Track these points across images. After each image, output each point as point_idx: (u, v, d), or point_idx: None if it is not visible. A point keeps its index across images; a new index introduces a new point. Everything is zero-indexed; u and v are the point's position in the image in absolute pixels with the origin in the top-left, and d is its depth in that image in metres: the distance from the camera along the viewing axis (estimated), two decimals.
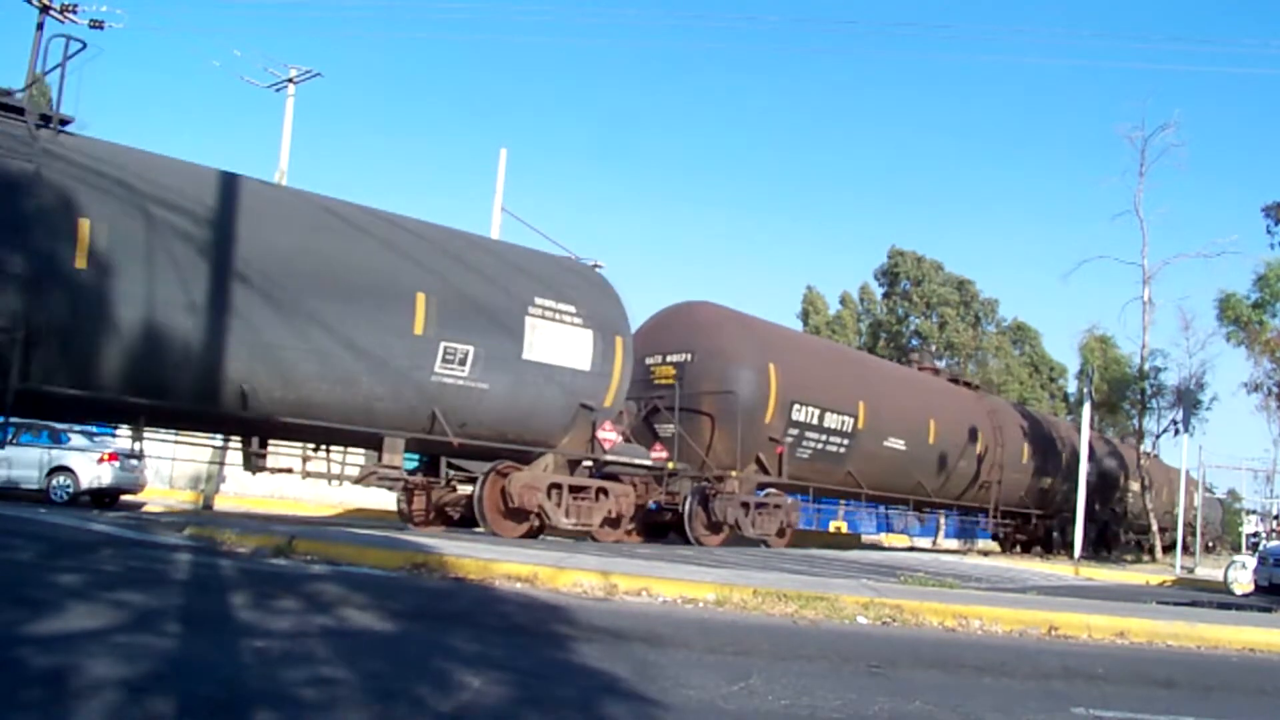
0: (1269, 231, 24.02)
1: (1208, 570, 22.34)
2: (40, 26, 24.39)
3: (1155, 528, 27.04)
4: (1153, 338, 26.24)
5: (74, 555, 6.48)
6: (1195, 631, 7.66)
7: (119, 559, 6.51)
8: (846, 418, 17.57)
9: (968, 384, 25.01)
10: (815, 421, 16.95)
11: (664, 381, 15.82)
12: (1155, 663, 6.56)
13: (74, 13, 24.73)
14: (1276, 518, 30.91)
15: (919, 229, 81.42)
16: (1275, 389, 25.71)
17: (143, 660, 3.71)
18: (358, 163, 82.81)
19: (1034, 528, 25.75)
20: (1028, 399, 43.89)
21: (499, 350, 12.23)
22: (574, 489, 13.31)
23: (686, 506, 15.06)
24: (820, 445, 17.14)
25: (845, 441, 17.60)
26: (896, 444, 19.04)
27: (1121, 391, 27.99)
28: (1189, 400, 24.57)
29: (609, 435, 13.66)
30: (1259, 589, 15.14)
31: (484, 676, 4.11)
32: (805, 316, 51.58)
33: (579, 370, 13.17)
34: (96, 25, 25.10)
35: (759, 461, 15.97)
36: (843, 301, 52.79)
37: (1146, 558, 27.64)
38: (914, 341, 50.15)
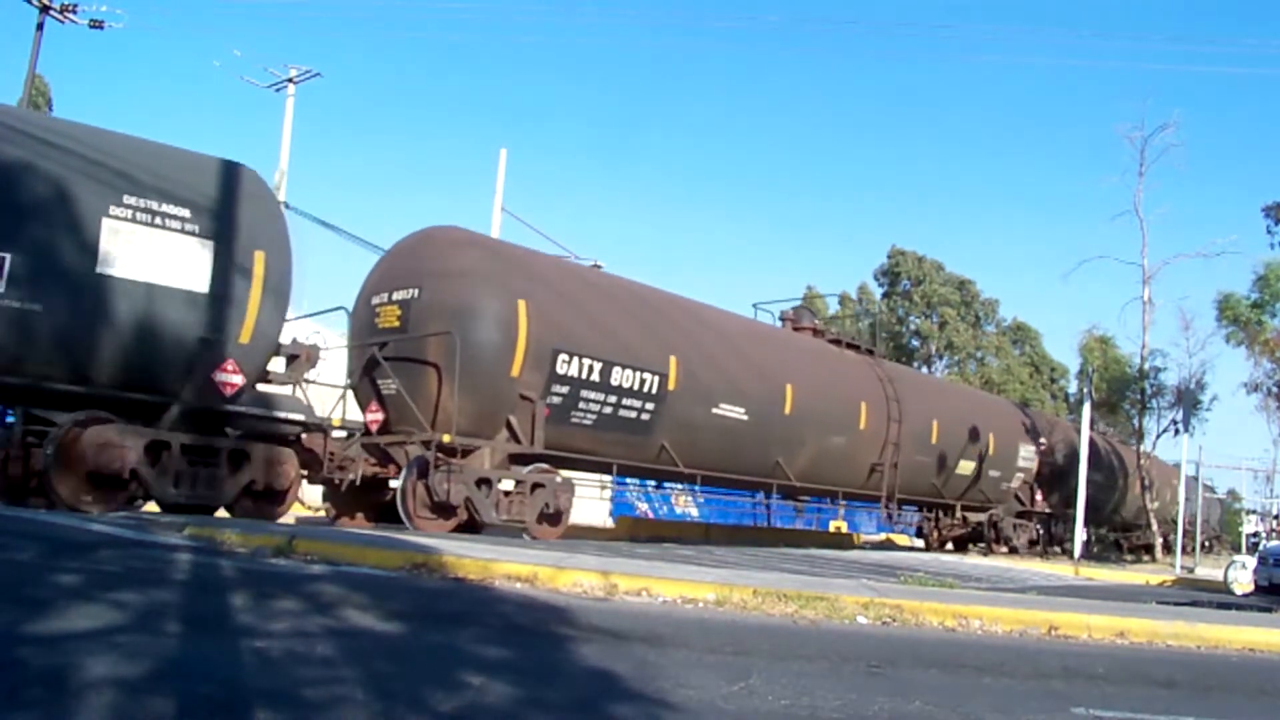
0: (1269, 231, 24.10)
1: (1208, 570, 22.34)
2: (40, 26, 24.46)
3: (1155, 527, 27.05)
4: (1153, 338, 26.30)
5: (73, 555, 6.47)
6: (1195, 631, 7.66)
7: (119, 559, 6.51)
8: (649, 375, 13.97)
9: (854, 346, 20.77)
10: (596, 378, 13.35)
11: (389, 325, 12.80)
12: (1155, 663, 6.56)
13: (74, 13, 24.77)
14: (1277, 517, 30.91)
15: (919, 229, 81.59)
16: (1275, 389, 25.74)
17: (142, 660, 3.71)
18: (358, 163, 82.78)
19: (957, 521, 22.67)
20: (1029, 399, 43.88)
21: (57, 261, 9.60)
22: (194, 450, 10.53)
23: (402, 481, 12.03)
24: (610, 410, 13.65)
25: (650, 406, 14.04)
26: (732, 412, 15.43)
27: (1121, 391, 28.02)
28: (1189, 400, 24.59)
29: (231, 378, 10.72)
30: (1259, 589, 15.14)
31: (485, 676, 4.11)
32: (802, 316, 51.52)
33: (192, 293, 10.33)
34: (96, 25, 25.16)
35: (510, 427, 12.70)
36: (841, 301, 52.80)
37: (1146, 558, 27.64)
38: (914, 342, 50.19)
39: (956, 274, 51.11)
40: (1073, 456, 25.01)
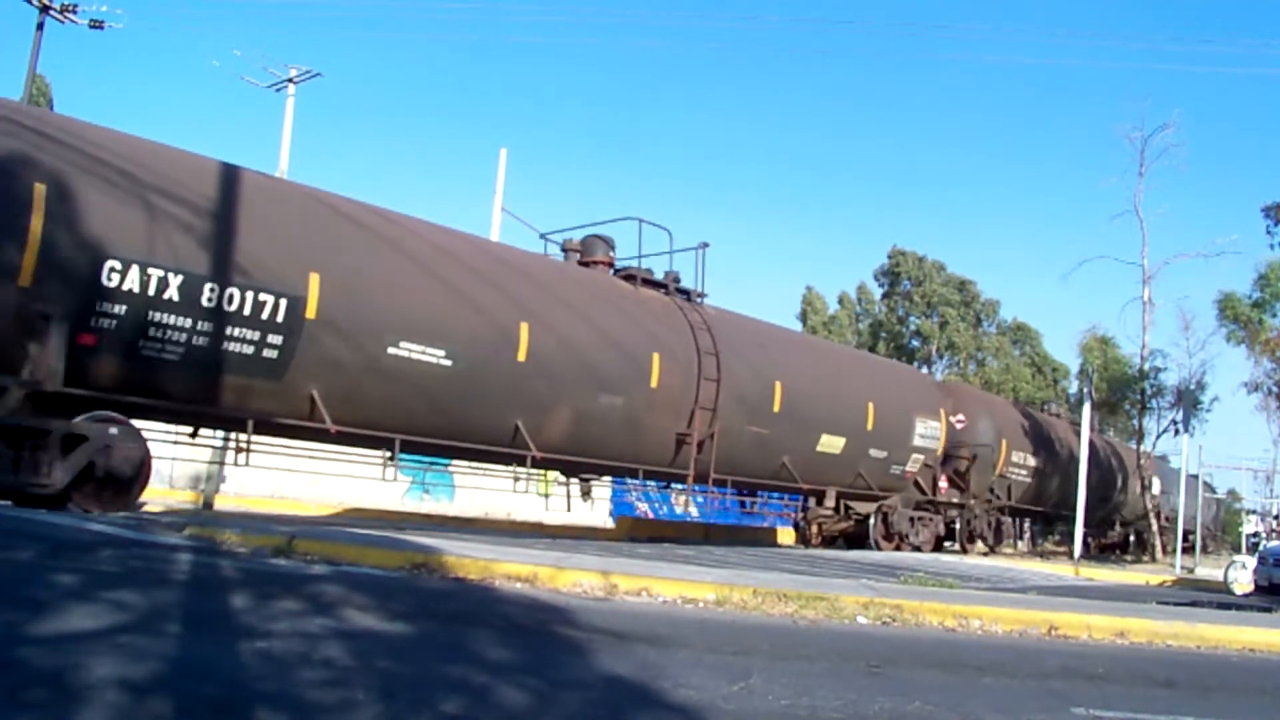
0: (1269, 232, 24.06)
1: (1208, 570, 22.34)
2: (40, 26, 24.46)
3: (1155, 528, 27.05)
4: (1153, 338, 26.27)
5: (73, 555, 6.47)
6: (1195, 631, 7.66)
7: (119, 559, 6.51)
8: (281, 300, 10.33)
9: (657, 284, 15.63)
10: (182, 297, 9.75)
11: None
12: (1155, 663, 6.56)
13: (74, 13, 24.77)
14: (1277, 518, 30.91)
15: (919, 229, 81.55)
16: (1275, 389, 25.73)
17: (143, 660, 3.71)
18: (357, 163, 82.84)
19: (832, 512, 18.95)
20: (1031, 399, 43.88)
21: None
22: None
23: None
24: (199, 339, 9.97)
25: (278, 339, 10.35)
26: (425, 354, 11.58)
27: (1121, 391, 28.01)
28: (1189, 400, 24.59)
29: None
30: (1259, 589, 15.14)
31: (486, 677, 4.11)
32: (804, 317, 51.61)
33: None
34: (96, 25, 25.17)
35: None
36: (840, 302, 52.81)
37: (1146, 558, 27.64)
38: (914, 342, 50.22)
39: (957, 274, 51.12)
40: (1039, 443, 24.01)
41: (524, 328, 12.67)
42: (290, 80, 27.54)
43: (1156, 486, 28.02)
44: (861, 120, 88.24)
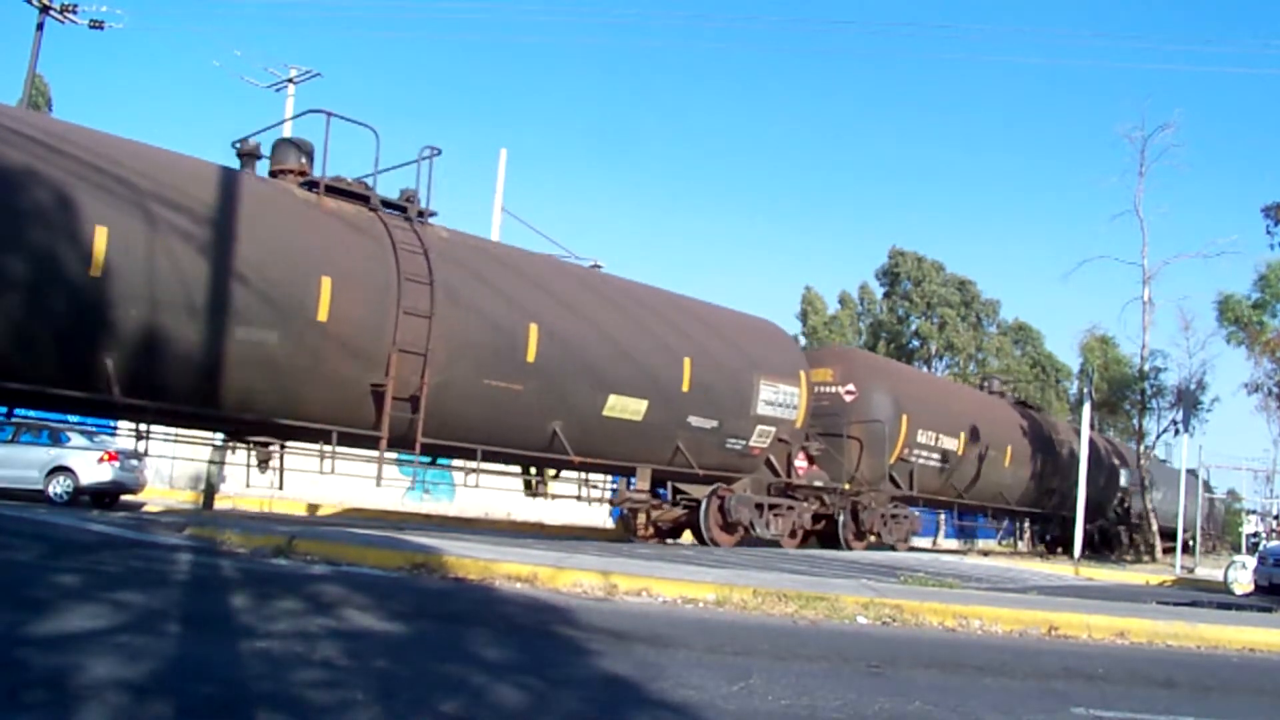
0: (1269, 232, 24.04)
1: (1208, 570, 22.35)
2: (40, 26, 24.45)
3: (1155, 527, 27.05)
4: (1153, 338, 26.27)
5: (74, 555, 6.48)
6: (1195, 631, 7.66)
7: (119, 559, 6.51)
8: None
9: (355, 196, 11.50)
10: None
11: None
12: (1155, 663, 6.57)
13: (74, 13, 24.77)
14: (1277, 518, 30.91)
15: (919, 229, 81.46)
16: (1275, 389, 25.73)
17: (144, 661, 3.71)
18: (357, 163, 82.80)
19: (647, 497, 15.00)
20: (1033, 400, 43.88)
21: None
22: None
23: None
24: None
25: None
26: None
27: (1122, 391, 28.02)
28: (1189, 400, 24.60)
29: None
30: (1259, 589, 15.14)
31: (485, 676, 4.11)
32: (804, 317, 51.60)
33: None
34: (96, 25, 25.15)
35: None
36: (841, 301, 52.82)
37: (1146, 558, 27.64)
38: (914, 342, 50.25)
39: (957, 274, 51.13)
40: (958, 423, 20.34)
41: (99, 232, 9.27)
42: (290, 80, 27.53)
43: (1158, 492, 28.00)
44: (861, 120, 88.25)
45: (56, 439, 16.15)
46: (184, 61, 78.23)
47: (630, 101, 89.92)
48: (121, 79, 69.32)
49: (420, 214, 12.31)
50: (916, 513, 20.01)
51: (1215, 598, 13.75)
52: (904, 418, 18.60)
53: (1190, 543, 27.43)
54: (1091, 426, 23.40)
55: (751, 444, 15.46)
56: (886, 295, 52.14)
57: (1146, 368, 26.28)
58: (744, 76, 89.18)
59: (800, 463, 16.59)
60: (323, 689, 3.65)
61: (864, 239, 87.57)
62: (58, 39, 61.11)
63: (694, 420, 14.42)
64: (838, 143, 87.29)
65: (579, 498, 14.69)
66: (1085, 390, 27.52)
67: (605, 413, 13.22)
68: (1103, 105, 77.78)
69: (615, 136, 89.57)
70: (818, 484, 16.94)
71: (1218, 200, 72.84)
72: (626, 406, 13.45)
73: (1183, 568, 22.68)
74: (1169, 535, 28.85)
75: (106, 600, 4.80)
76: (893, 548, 18.25)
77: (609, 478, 15.49)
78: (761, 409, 15.37)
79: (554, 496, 15.39)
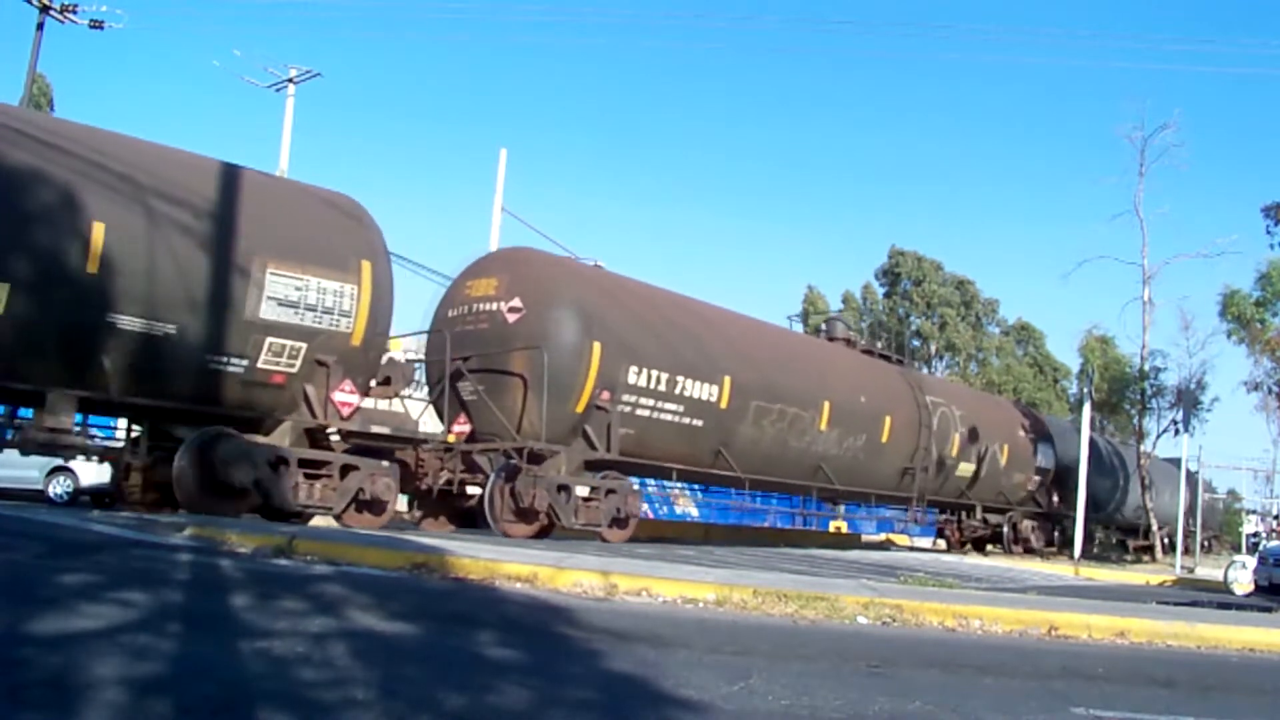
0: (1269, 232, 24.06)
1: (1208, 570, 22.35)
2: (40, 26, 24.47)
3: (1155, 527, 27.05)
4: (1153, 338, 26.34)
5: (74, 555, 6.48)
6: (1195, 631, 7.66)
7: (119, 559, 6.51)
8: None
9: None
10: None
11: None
12: (1155, 663, 6.57)
13: (74, 13, 24.76)
14: (1277, 518, 30.91)
15: (919, 229, 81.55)
16: (1275, 388, 25.74)
17: (144, 661, 3.71)
18: (357, 163, 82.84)
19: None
20: (1034, 400, 43.88)
21: None
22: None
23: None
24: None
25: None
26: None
27: (1122, 391, 28.03)
28: (1189, 400, 24.61)
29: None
30: (1259, 589, 15.15)
31: (485, 676, 4.12)
32: (806, 316, 51.59)
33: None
34: (96, 25, 25.15)
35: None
36: (845, 301, 52.82)
37: (1146, 558, 27.64)
38: (915, 342, 50.24)
39: (956, 274, 51.14)
40: (706, 364, 14.97)
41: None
42: (290, 80, 27.57)
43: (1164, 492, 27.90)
44: (861, 120, 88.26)
45: None
46: (184, 61, 78.26)
47: (631, 101, 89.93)
48: (121, 79, 69.36)
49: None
50: (635, 484, 14.28)
51: (1215, 598, 13.75)
52: (595, 347, 13.15)
53: (1186, 541, 27.42)
54: (1092, 427, 23.38)
55: (261, 365, 10.94)
56: (887, 295, 52.17)
57: (1146, 368, 26.30)
58: (745, 76, 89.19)
59: (345, 396, 11.45)
60: (324, 688, 3.65)
61: (865, 239, 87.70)
62: (58, 39, 61.12)
63: (125, 320, 10.04)
64: (838, 142, 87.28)
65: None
66: (1085, 390, 27.48)
67: None
68: (1103, 105, 77.85)
69: (616, 136, 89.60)
70: (382, 429, 12.10)
71: (1218, 200, 72.96)
72: None
73: (1183, 568, 22.68)
74: (1137, 532, 28.65)
75: (107, 600, 4.81)
76: (600, 536, 13.14)
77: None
78: (271, 312, 10.87)
79: None
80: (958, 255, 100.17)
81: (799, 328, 21.52)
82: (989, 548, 24.04)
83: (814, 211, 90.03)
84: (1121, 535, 30.84)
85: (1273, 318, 23.86)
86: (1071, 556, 21.45)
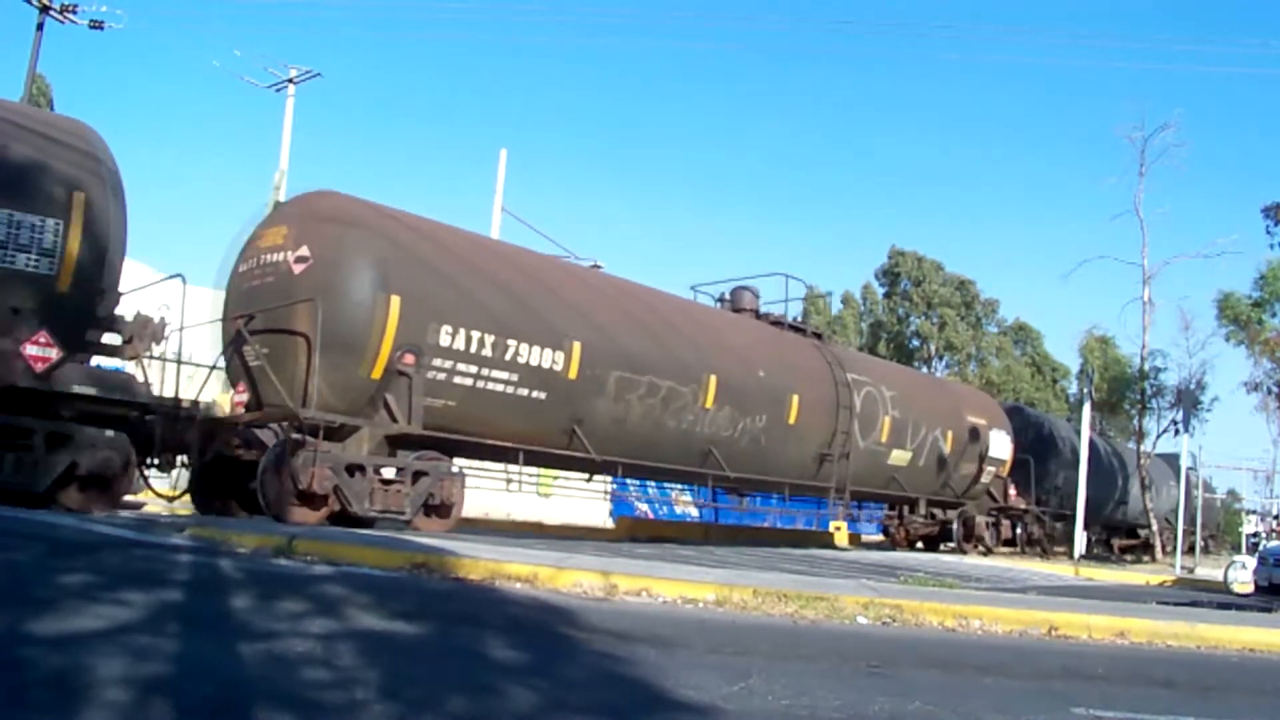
0: (1269, 232, 24.10)
1: (1208, 570, 22.36)
2: (40, 26, 24.47)
3: (1155, 527, 27.06)
4: (1153, 338, 26.36)
5: (74, 556, 6.48)
6: (1195, 631, 7.66)
7: (119, 559, 6.51)
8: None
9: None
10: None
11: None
12: (1155, 663, 6.57)
13: (74, 13, 24.77)
14: (1277, 518, 30.93)
15: (919, 229, 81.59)
16: (1275, 389, 25.76)
17: (144, 661, 3.71)
18: (358, 163, 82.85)
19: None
20: (1033, 400, 43.88)
21: None
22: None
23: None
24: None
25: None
26: None
27: (1121, 391, 28.05)
28: (1189, 400, 24.63)
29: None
30: (1259, 589, 15.16)
31: (486, 676, 4.12)
32: (806, 316, 51.62)
33: None
34: (96, 25, 25.16)
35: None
36: (844, 301, 52.83)
37: (1146, 558, 27.65)
38: (914, 342, 50.26)
39: (956, 274, 51.15)
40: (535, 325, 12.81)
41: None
42: (290, 80, 27.56)
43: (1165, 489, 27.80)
44: (861, 120, 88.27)
45: None
46: (184, 61, 78.26)
47: (631, 101, 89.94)
48: (121, 79, 69.33)
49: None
50: (450, 465, 11.91)
51: (1215, 598, 13.75)
52: (393, 302, 11.13)
53: (1187, 540, 27.43)
54: (1092, 427, 23.37)
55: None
56: (887, 295, 52.19)
57: (1146, 368, 26.32)
58: (745, 76, 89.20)
59: (39, 349, 9.84)
60: (324, 689, 3.65)
61: (865, 238, 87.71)
62: (58, 39, 61.11)
63: None
64: (838, 142, 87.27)
65: None
66: (1085, 390, 27.47)
67: None
68: (1103, 105, 77.86)
69: (616, 136, 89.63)
70: (86, 389, 10.35)
71: (1218, 200, 73.02)
72: None
73: (1183, 568, 22.68)
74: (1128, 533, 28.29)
75: (107, 600, 4.81)
76: (411, 526, 11.27)
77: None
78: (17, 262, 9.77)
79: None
80: (958, 255, 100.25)
81: (709, 302, 18.20)
82: (943, 547, 21.58)
83: (814, 211, 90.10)
84: (1108, 534, 30.72)
85: (1271, 318, 23.89)
86: (1046, 555, 21.36)
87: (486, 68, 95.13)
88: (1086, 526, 22.90)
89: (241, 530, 8.22)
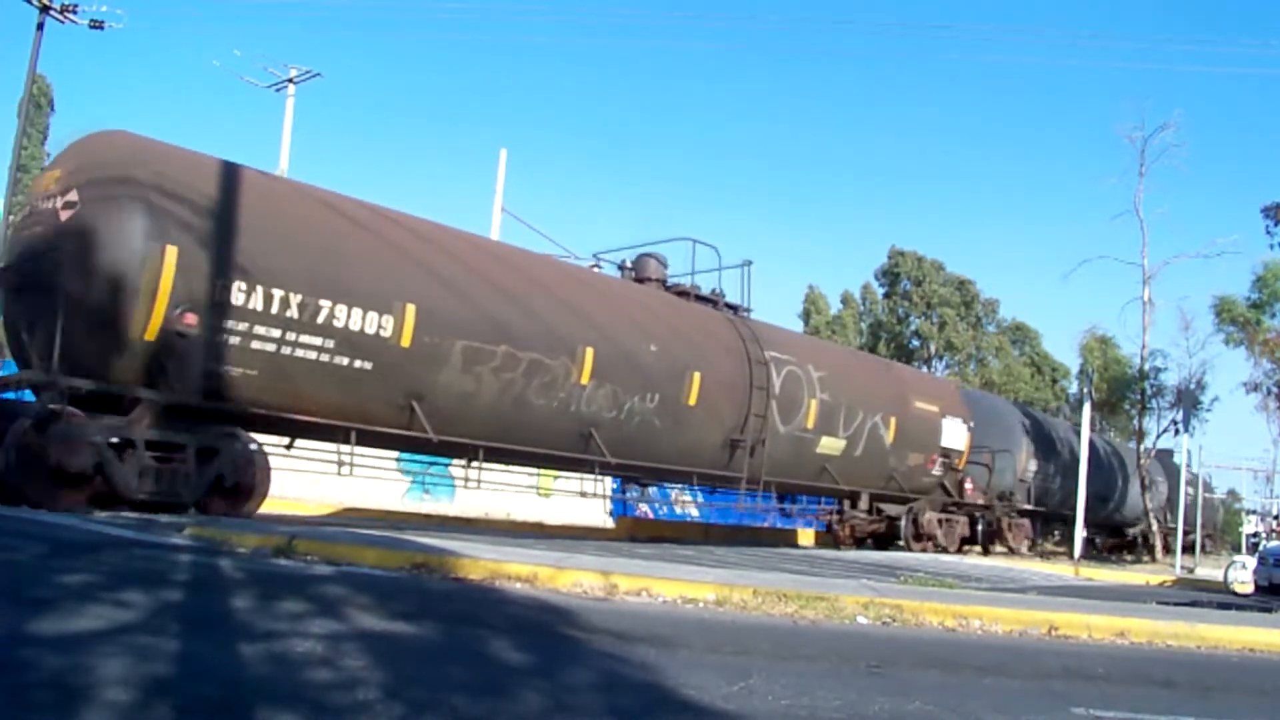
0: (1268, 232, 24.11)
1: (1208, 570, 22.36)
2: (40, 26, 24.47)
3: (1155, 527, 27.06)
4: (1153, 338, 26.35)
5: (74, 555, 6.47)
6: (1195, 631, 7.67)
7: (119, 559, 6.51)
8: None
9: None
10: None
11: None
12: (1155, 663, 6.57)
13: (74, 13, 24.76)
14: (1277, 518, 30.94)
15: (919, 229, 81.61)
16: (1274, 389, 25.77)
17: (145, 661, 3.71)
18: (358, 163, 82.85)
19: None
20: (1032, 400, 43.87)
21: None
22: None
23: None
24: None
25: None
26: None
27: (1121, 391, 28.05)
28: (1189, 400, 24.63)
29: None
30: (1259, 589, 15.17)
31: (486, 676, 4.12)
32: (807, 316, 51.62)
33: None
34: (96, 25, 25.15)
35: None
36: (844, 301, 52.84)
37: (1146, 558, 27.65)
38: (914, 342, 50.25)
39: (956, 274, 51.15)
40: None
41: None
42: (290, 80, 27.59)
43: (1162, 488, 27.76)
44: (862, 120, 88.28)
45: None
46: (184, 61, 78.26)
47: (631, 101, 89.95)
48: (121, 79, 69.33)
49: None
50: (247, 443, 10.58)
51: (1215, 598, 13.75)
52: (168, 252, 9.70)
53: (1186, 540, 27.41)
54: (1092, 427, 23.36)
55: None
56: (887, 295, 52.18)
57: (1146, 368, 26.31)
58: (744, 76, 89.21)
59: None
60: (326, 689, 3.65)
61: (865, 239, 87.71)
62: (58, 39, 61.10)
63: None
64: (838, 142, 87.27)
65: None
66: (1085, 390, 27.46)
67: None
68: (1103, 105, 77.88)
69: (616, 136, 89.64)
70: None
71: (1218, 200, 73.03)
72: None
73: (1183, 568, 22.68)
74: (1115, 531, 28.02)
75: (107, 600, 4.80)
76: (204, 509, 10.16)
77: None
78: None
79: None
80: (958, 255, 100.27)
81: (614, 272, 16.50)
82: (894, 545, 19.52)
83: (814, 211, 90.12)
84: (1097, 532, 30.53)
85: (1269, 319, 23.90)
86: (1042, 555, 21.39)
87: (486, 68, 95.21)
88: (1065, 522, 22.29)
89: (242, 530, 8.22)
